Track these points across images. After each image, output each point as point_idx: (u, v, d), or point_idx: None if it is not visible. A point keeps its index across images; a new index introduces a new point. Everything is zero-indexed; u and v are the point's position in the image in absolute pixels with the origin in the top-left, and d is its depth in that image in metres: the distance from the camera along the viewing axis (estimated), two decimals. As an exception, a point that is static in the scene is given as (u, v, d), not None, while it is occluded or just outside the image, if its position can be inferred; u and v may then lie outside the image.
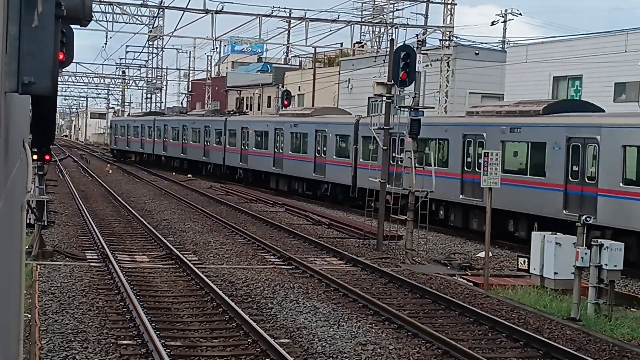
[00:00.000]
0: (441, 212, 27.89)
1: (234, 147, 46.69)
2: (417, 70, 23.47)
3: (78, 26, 3.57)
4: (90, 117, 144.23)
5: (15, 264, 4.54)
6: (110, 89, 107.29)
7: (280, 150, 40.60)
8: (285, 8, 45.99)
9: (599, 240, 16.01)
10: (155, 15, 46.82)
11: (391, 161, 26.36)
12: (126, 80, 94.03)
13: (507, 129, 25.09)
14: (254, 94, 69.77)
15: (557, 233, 18.77)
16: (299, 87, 60.09)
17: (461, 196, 26.75)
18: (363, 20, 55.41)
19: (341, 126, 35.56)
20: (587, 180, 22.10)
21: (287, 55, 74.68)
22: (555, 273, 17.75)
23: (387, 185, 24.71)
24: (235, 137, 46.57)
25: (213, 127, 50.21)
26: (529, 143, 24.35)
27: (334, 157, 35.35)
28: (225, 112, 57.00)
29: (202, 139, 51.84)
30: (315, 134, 37.09)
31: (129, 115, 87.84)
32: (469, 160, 26.88)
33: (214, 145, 49.85)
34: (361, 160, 32.87)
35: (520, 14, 61.67)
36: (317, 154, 36.91)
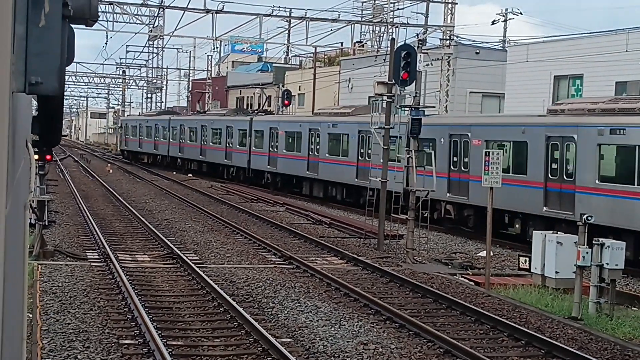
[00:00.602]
0: (517, 226, 24.80)
1: (261, 149, 42.73)
2: (417, 69, 23.45)
3: (81, 26, 3.57)
4: (91, 117, 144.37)
5: (19, 264, 4.55)
6: (110, 88, 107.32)
7: (316, 153, 36.58)
8: (285, 7, 46.06)
9: (600, 239, 16.01)
10: (156, 15, 46.87)
11: (452, 167, 24.38)
12: (126, 80, 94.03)
13: (606, 130, 21.67)
14: (254, 93, 69.74)
15: (559, 232, 18.76)
16: (299, 86, 60.08)
17: (545, 208, 23.29)
18: (363, 19, 55.42)
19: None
20: None
21: (288, 55, 74.73)
22: (557, 272, 17.75)
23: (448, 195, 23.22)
24: (263, 138, 42.65)
25: (236, 128, 46.35)
26: (637, 147, 20.87)
27: (382, 161, 31.68)
28: (250, 111, 52.38)
29: (224, 140, 47.90)
30: (358, 135, 32.99)
31: (140, 114, 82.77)
32: (554, 166, 23.30)
33: (238, 147, 45.95)
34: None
35: (521, 13, 61.68)
36: (360, 158, 32.90)
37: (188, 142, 54.67)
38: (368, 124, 31.74)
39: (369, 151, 31.91)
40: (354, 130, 33.66)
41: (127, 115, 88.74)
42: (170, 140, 58.17)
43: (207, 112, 58.33)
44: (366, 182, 31.00)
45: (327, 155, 35.76)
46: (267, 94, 59.16)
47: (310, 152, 37.41)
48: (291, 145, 39.53)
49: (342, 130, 34.88)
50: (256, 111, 49.60)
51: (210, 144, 50.42)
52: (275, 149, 41.23)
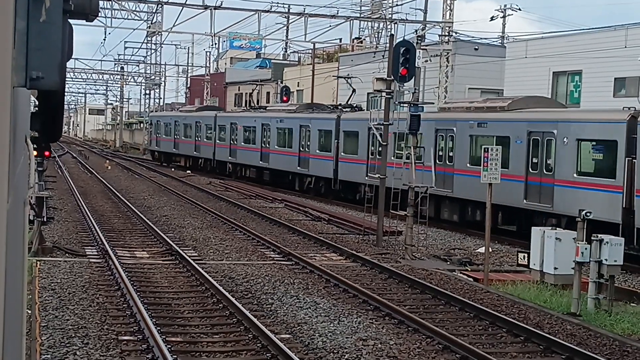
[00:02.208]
0: None
1: (355, 155, 33.44)
2: (416, 65, 23.44)
3: (79, 22, 3.57)
4: (89, 113, 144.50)
5: (19, 260, 4.55)
6: (108, 85, 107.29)
7: (448, 162, 27.59)
8: (284, 4, 46.01)
9: (599, 235, 16.01)
10: (154, 10, 46.79)
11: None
12: (125, 76, 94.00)
13: None
14: (252, 89, 69.70)
15: (557, 228, 18.76)
16: (298, 82, 60.11)
17: None
18: (362, 15, 55.40)
19: (590, 127, 22.58)
20: None
21: (286, 51, 74.76)
22: (555, 268, 17.76)
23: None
24: (358, 141, 33.45)
25: (315, 127, 37.23)
26: None
27: (575, 175, 22.36)
28: (331, 106, 40.96)
29: (297, 142, 38.83)
30: (528, 139, 24.20)
31: (176, 108, 71.72)
32: None
33: (318, 152, 36.85)
34: None
35: (520, 9, 61.71)
36: (530, 170, 24.02)
37: (242, 144, 45.66)
38: (542, 122, 23.91)
39: (548, 161, 23.35)
40: (520, 132, 24.53)
41: (159, 111, 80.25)
42: (217, 141, 49.35)
43: (267, 108, 47.92)
44: (548, 205, 22.88)
45: (467, 165, 26.47)
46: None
47: (438, 161, 27.88)
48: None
49: (494, 131, 25.69)
50: (341, 106, 39.25)
51: (275, 147, 41.19)
52: (378, 156, 30.98)
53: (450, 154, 27.59)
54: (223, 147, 48.41)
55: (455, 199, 26.30)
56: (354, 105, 38.91)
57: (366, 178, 29.23)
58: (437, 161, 27.44)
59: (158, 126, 62.07)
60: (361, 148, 33.17)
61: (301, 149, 38.50)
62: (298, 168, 38.76)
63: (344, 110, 37.71)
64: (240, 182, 43.35)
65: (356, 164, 33.01)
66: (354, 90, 38.78)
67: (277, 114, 42.62)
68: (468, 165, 26.29)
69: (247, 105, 59.31)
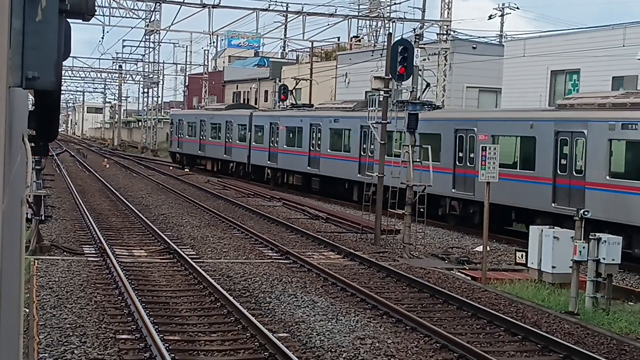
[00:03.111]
0: None
1: (436, 162, 24.77)
2: (414, 64, 23.44)
3: (77, 20, 3.57)
4: (87, 112, 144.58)
5: (16, 259, 4.55)
6: (107, 83, 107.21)
7: (576, 174, 22.34)
8: (282, 2, 45.97)
9: (597, 234, 16.03)
10: (152, 9, 46.77)
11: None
12: (123, 75, 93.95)
13: None
14: (250, 88, 69.70)
15: (555, 227, 18.77)
16: (296, 81, 60.05)
17: None
18: (360, 14, 55.40)
19: None
20: None
21: (284, 50, 74.75)
22: (553, 267, 17.78)
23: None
24: (439, 145, 27.41)
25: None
26: None
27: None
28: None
29: (356, 146, 33.47)
30: None
31: (201, 107, 65.30)
32: None
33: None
34: None
35: (518, 8, 61.74)
36: None
37: (285, 146, 40.22)
38: None
39: None
40: None
41: (181, 109, 73.68)
42: (253, 143, 44.41)
43: (316, 108, 41.72)
44: None
45: (607, 178, 21.22)
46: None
47: (559, 171, 22.94)
48: (509, 156, 24.99)
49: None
50: (411, 102, 29.45)
51: (328, 150, 35.91)
52: (467, 163, 26.13)
53: (579, 162, 22.12)
54: (261, 150, 42.97)
55: (588, 220, 18.63)
56: (431, 102, 30.57)
57: (453, 190, 24.30)
58: (558, 171, 22.68)
59: (180, 126, 56.23)
60: (445, 154, 27.27)
61: (362, 153, 32.95)
62: (359, 176, 32.02)
63: (429, 108, 29.47)
64: (235, 180, 43.08)
65: (438, 173, 25.23)
66: (428, 85, 28.63)
67: (329, 113, 37.05)
68: (608, 177, 21.02)
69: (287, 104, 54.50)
